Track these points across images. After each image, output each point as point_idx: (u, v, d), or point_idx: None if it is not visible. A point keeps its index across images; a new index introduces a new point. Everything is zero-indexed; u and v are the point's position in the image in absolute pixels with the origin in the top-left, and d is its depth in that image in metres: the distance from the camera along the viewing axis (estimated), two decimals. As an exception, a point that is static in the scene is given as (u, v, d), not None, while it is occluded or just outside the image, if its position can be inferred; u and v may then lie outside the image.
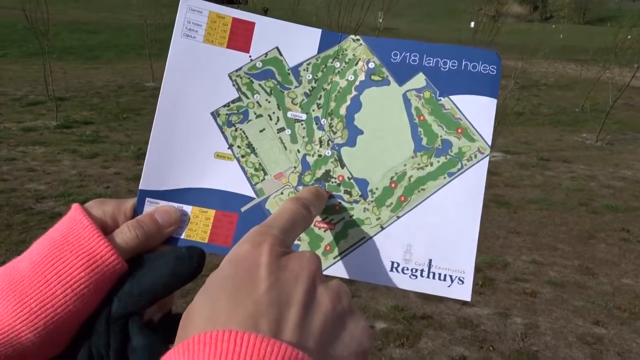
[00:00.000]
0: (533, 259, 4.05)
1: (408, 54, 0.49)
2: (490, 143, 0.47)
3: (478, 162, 0.46)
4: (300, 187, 0.48)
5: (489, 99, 0.47)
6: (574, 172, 6.61)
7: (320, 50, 0.49)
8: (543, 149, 7.61)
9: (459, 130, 0.47)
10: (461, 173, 0.46)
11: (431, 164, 0.47)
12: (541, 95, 11.70)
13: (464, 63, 0.48)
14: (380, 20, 13.84)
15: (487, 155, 0.47)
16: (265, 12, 20.31)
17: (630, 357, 2.86)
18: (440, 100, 0.48)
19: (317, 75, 0.49)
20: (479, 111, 0.47)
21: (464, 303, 3.25)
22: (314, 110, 0.49)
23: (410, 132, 0.47)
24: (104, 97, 8.95)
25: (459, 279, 0.45)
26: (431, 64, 0.48)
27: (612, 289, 3.63)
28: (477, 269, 3.76)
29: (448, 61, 0.48)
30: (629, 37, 8.91)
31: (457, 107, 0.47)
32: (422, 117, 0.48)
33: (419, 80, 0.48)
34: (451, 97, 0.47)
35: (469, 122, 0.47)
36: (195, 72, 0.48)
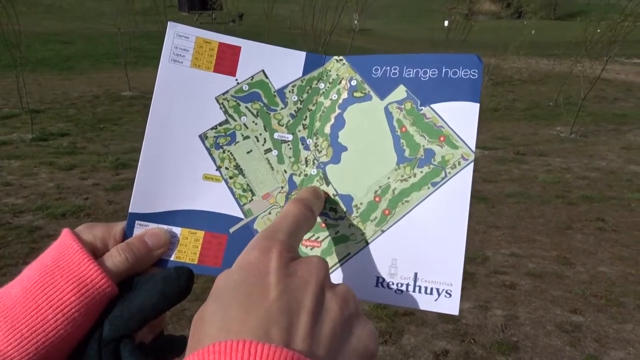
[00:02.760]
0: (512, 251, 4.12)
1: (388, 67, 0.49)
2: (474, 148, 0.46)
3: (462, 169, 0.45)
4: None
5: (470, 104, 0.46)
6: (549, 165, 6.72)
7: (305, 72, 0.51)
8: (519, 143, 7.73)
9: (442, 139, 0.46)
10: (445, 182, 0.45)
11: (414, 175, 0.46)
12: (515, 90, 11.86)
13: (444, 70, 0.47)
14: (356, 22, 13.89)
15: (471, 162, 0.45)
16: (240, 17, 20.24)
17: (607, 342, 2.93)
18: (422, 110, 0.47)
19: (302, 97, 0.50)
20: (461, 117, 0.46)
21: (445, 298, 3.30)
22: (299, 131, 0.50)
23: (393, 144, 0.47)
24: (80, 107, 8.85)
25: (446, 292, 0.44)
26: (411, 75, 0.48)
27: (589, 278, 3.71)
28: (458, 264, 3.82)
29: (428, 70, 0.48)
30: (598, 30, 9.08)
31: (438, 115, 0.47)
32: (404, 129, 0.47)
33: (400, 92, 0.48)
34: (432, 105, 0.47)
35: (451, 129, 0.46)
36: (183, 97, 0.49)
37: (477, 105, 0.46)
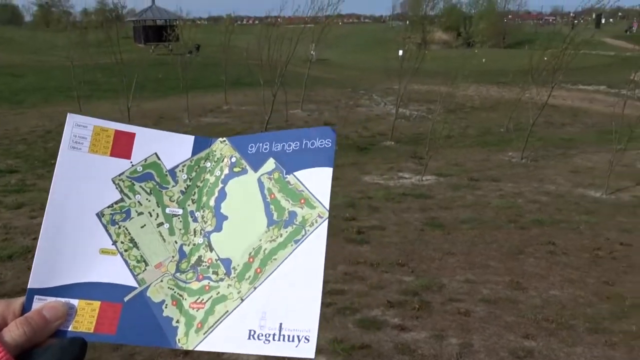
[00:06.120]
0: (467, 278, 4.19)
1: (261, 144, 0.57)
2: (327, 207, 0.52)
3: (318, 226, 0.52)
4: (178, 274, 0.54)
5: (324, 169, 0.54)
6: (502, 189, 6.92)
7: (193, 153, 0.58)
8: (472, 169, 7.94)
9: (302, 201, 0.53)
10: (305, 239, 0.52)
11: (281, 235, 0.52)
12: (468, 117, 12.23)
13: (304, 142, 0.55)
14: (312, 53, 14.11)
15: (325, 219, 0.52)
16: (197, 49, 20.26)
17: (558, 367, 2.99)
18: (287, 177, 0.54)
19: (191, 175, 0.57)
20: (317, 181, 0.53)
21: (402, 329, 3.32)
22: (189, 205, 0.57)
23: (264, 210, 0.54)
24: (30, 143, 8.63)
25: (305, 338, 0.49)
26: (279, 149, 0.56)
27: (541, 302, 3.80)
28: (414, 293, 3.86)
29: (292, 143, 0.56)
30: (545, 58, 9.48)
31: (299, 181, 0.54)
32: (272, 196, 0.54)
33: (270, 164, 0.56)
34: (295, 173, 0.54)
35: (310, 192, 0.53)
36: (81, 179, 0.54)
37: (330, 170, 0.54)
